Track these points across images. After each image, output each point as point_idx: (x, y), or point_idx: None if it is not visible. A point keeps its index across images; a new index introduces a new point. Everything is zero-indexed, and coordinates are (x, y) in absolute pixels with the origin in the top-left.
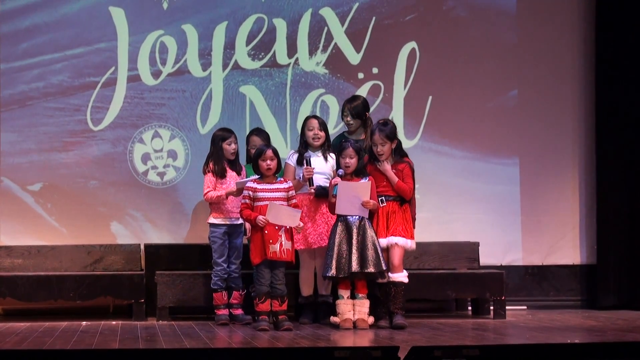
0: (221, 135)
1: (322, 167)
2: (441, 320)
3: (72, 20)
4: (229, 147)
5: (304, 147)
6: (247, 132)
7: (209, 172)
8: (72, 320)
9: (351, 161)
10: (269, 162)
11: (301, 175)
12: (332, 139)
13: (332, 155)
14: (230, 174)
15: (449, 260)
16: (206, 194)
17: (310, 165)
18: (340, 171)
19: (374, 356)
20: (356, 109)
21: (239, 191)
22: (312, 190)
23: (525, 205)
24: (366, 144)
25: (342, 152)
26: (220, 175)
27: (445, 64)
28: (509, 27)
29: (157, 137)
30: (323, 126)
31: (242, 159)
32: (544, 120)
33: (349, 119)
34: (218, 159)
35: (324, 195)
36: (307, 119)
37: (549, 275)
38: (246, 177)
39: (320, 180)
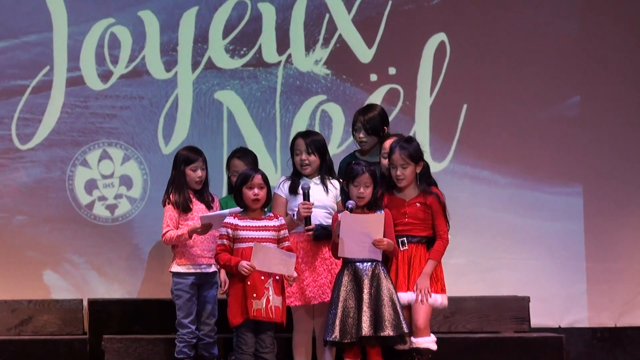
0: (184, 156)
1: (321, 198)
2: None
3: None
4: (193, 173)
5: (295, 173)
6: (226, 153)
7: (169, 204)
8: None
9: (366, 191)
10: (256, 190)
11: (296, 211)
12: (337, 159)
13: (335, 182)
14: (198, 206)
15: (491, 320)
16: (164, 234)
17: (309, 200)
18: (351, 203)
19: None
20: (371, 122)
21: (204, 228)
22: (309, 234)
23: (591, 248)
24: (382, 167)
25: (355, 178)
26: (184, 208)
27: (483, 63)
28: (569, 14)
29: (106, 158)
30: (314, 147)
31: (218, 189)
32: (614, 137)
33: (361, 135)
34: (180, 188)
35: (325, 236)
36: (294, 138)
37: (625, 340)
38: (219, 210)
39: (319, 216)
